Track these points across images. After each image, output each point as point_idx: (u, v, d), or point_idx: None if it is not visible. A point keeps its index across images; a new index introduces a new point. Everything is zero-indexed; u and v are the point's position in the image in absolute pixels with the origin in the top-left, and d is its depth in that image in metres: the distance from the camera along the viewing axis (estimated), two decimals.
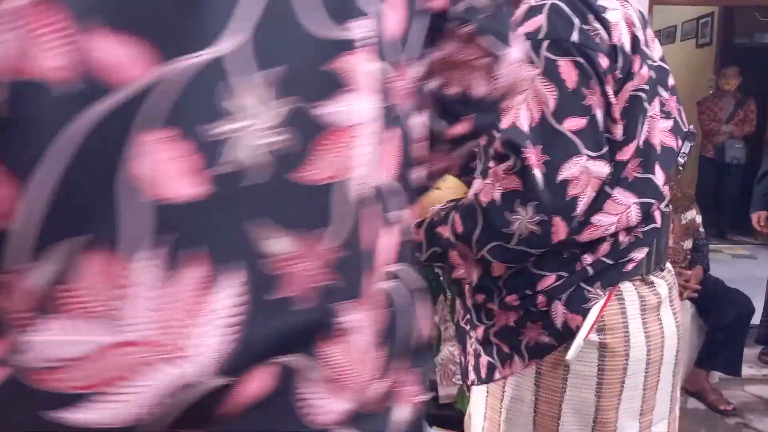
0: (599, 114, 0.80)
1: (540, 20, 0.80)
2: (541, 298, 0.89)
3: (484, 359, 0.98)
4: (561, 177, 0.79)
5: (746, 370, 2.96)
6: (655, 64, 0.91)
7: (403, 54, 0.44)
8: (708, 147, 4.79)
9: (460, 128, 0.58)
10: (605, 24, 0.81)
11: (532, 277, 0.89)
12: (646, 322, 0.90)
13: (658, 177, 0.88)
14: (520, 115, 0.80)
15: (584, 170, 0.80)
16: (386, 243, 0.43)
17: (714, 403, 2.65)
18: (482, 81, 0.56)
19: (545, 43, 0.79)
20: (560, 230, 0.81)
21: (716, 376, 2.83)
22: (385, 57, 0.40)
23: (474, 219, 0.85)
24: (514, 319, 0.93)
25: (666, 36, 6.11)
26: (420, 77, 0.50)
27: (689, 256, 2.86)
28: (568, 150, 0.79)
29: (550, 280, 0.89)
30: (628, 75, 0.83)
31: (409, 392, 0.46)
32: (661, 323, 0.93)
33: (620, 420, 0.90)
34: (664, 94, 0.92)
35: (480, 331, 0.98)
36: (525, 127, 0.80)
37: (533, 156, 0.79)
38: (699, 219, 2.93)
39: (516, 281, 0.91)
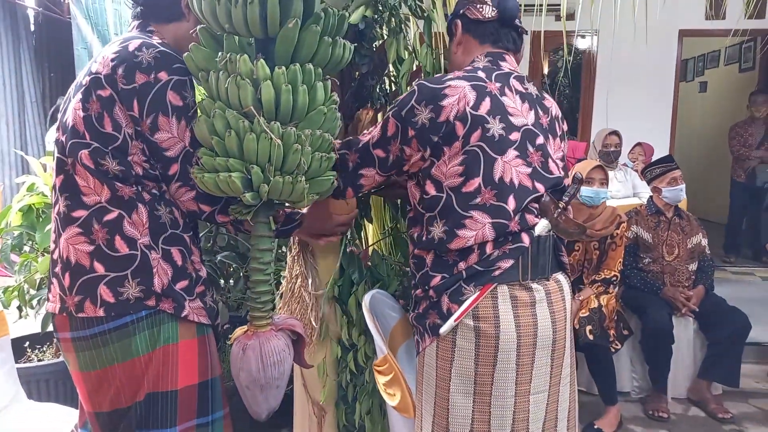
0: (391, 158, 1.30)
1: (407, 93, 1.27)
2: (432, 293, 1.27)
3: (415, 337, 1.36)
4: (359, 172, 1.35)
5: (753, 385, 3.15)
6: (524, 127, 1.26)
7: None
8: (739, 172, 4.87)
9: None
10: (436, 108, 1.22)
11: (428, 277, 1.28)
12: (519, 315, 1.24)
13: (510, 204, 1.23)
14: (364, 136, 1.35)
15: (373, 176, 1.35)
16: None
17: (713, 411, 2.83)
18: None
19: (395, 108, 1.26)
20: (349, 194, 1.39)
21: (720, 387, 2.99)
22: None
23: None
24: (423, 308, 1.31)
25: (710, 60, 6.15)
26: None
27: (692, 277, 3.09)
28: (370, 162, 1.33)
29: (437, 279, 1.27)
30: (449, 136, 1.22)
31: None
32: (534, 318, 1.25)
33: (495, 384, 1.24)
34: (530, 149, 1.27)
35: (410, 317, 1.37)
36: (361, 143, 1.34)
37: (352, 157, 1.34)
38: (704, 242, 3.12)
39: (421, 280, 1.30)
